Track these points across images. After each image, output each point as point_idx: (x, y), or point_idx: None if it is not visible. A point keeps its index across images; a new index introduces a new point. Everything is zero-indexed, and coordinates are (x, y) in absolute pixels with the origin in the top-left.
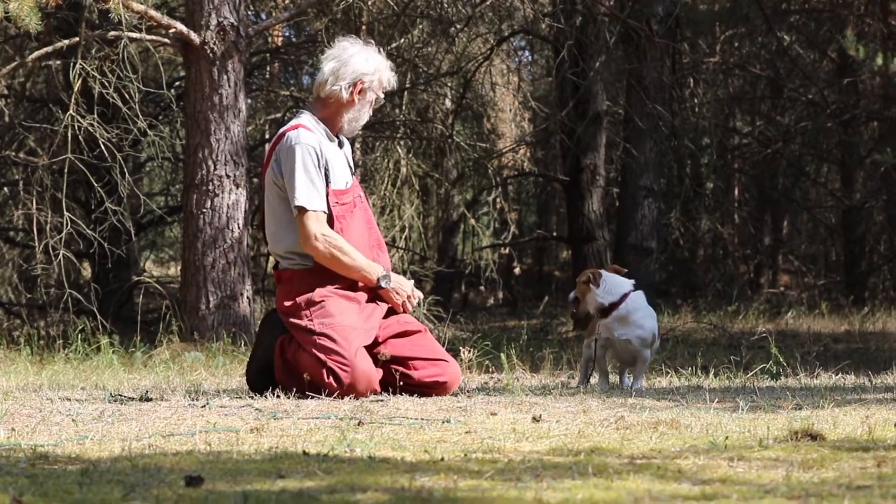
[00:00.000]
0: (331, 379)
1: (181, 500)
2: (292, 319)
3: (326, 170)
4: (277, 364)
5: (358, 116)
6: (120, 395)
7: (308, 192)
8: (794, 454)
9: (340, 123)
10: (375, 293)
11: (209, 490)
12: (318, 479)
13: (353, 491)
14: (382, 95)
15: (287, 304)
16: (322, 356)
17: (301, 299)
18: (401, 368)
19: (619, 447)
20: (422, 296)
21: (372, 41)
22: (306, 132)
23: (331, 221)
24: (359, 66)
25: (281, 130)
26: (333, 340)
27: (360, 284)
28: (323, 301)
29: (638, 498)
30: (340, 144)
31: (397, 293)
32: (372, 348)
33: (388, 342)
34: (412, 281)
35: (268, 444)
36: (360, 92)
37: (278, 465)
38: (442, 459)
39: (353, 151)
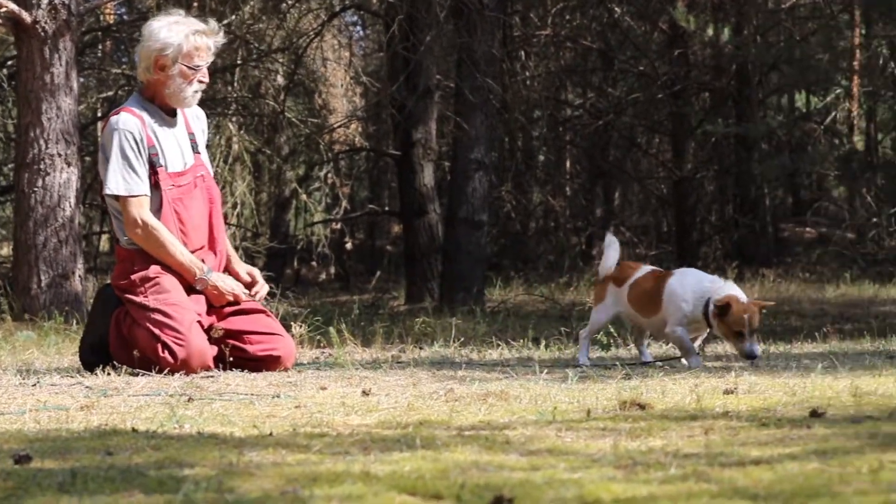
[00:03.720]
0: (166, 353)
1: (9, 477)
2: (127, 295)
3: (153, 153)
4: (112, 339)
5: (177, 90)
6: None
7: (122, 179)
8: (622, 424)
9: (166, 100)
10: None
11: (38, 468)
12: (146, 455)
13: (181, 466)
14: (202, 62)
15: (122, 281)
16: (157, 331)
17: (136, 276)
18: (235, 342)
19: (448, 419)
20: (252, 293)
21: (182, 12)
22: (128, 116)
23: (163, 204)
24: (155, 42)
25: (108, 115)
26: (168, 315)
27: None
28: (157, 277)
29: (465, 469)
30: (176, 124)
31: (219, 293)
32: (207, 327)
33: (223, 318)
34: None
35: (97, 422)
36: (161, 68)
37: (107, 442)
38: (271, 434)
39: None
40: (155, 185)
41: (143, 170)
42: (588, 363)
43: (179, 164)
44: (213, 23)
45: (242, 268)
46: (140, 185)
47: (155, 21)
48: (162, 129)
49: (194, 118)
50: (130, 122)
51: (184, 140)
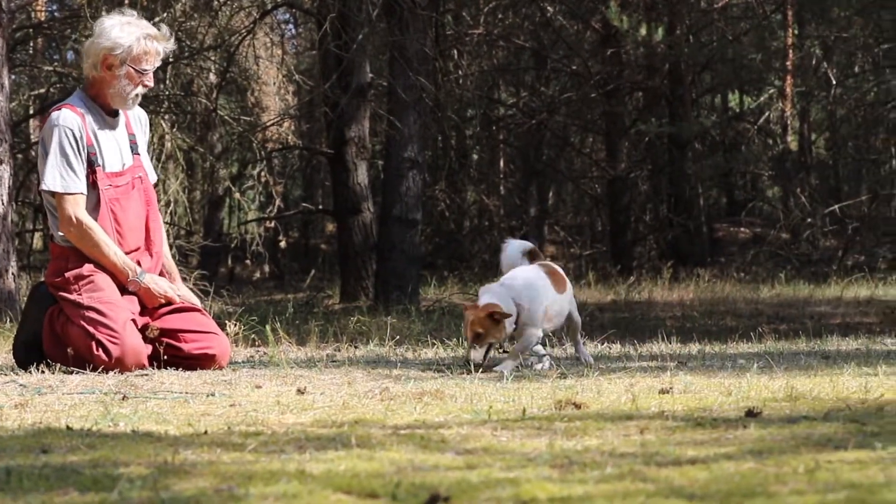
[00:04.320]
0: (100, 351)
1: None
2: (61, 293)
3: (92, 151)
4: (46, 337)
5: (120, 90)
6: None
7: (60, 175)
8: (557, 423)
9: (108, 99)
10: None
11: None
12: (81, 453)
13: (115, 465)
14: (150, 66)
15: (56, 279)
16: (91, 329)
17: (70, 274)
18: (170, 341)
19: (383, 418)
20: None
21: (135, 13)
22: (68, 112)
23: (100, 204)
24: (106, 41)
25: (49, 110)
26: (102, 314)
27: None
28: (92, 276)
29: (401, 468)
30: (117, 124)
31: (151, 295)
32: (143, 327)
33: (158, 317)
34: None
35: (31, 420)
36: (108, 67)
37: (42, 440)
38: (205, 433)
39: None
40: (93, 185)
41: (81, 168)
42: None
43: (118, 164)
44: (164, 28)
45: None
46: (77, 184)
47: (107, 19)
48: (102, 129)
49: (136, 119)
50: (71, 118)
51: (123, 140)
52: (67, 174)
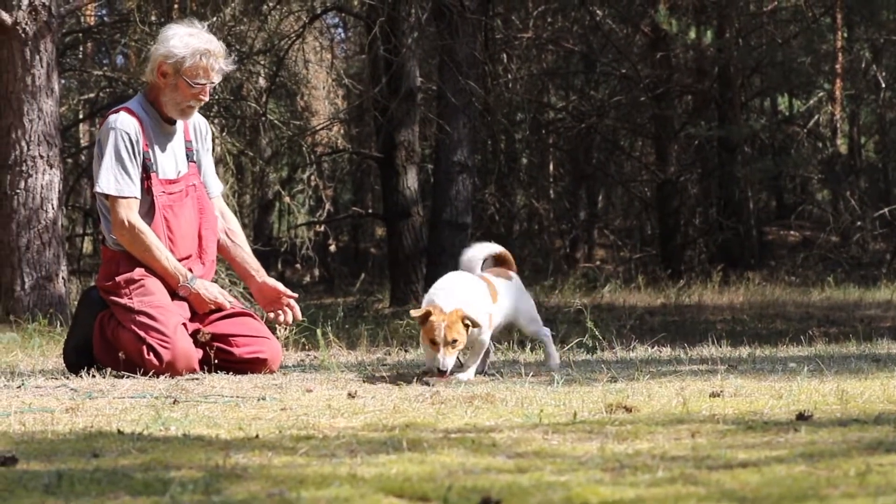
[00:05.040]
0: (151, 356)
1: None
2: (112, 297)
3: (147, 157)
4: (96, 341)
5: (174, 99)
6: None
7: (114, 179)
8: (608, 426)
9: (164, 107)
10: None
11: (23, 470)
12: (132, 457)
13: (167, 469)
14: (203, 81)
15: (107, 283)
16: (142, 333)
17: (121, 278)
18: (221, 345)
19: (434, 422)
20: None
21: (200, 25)
22: (126, 116)
23: (154, 210)
24: (163, 48)
25: (108, 112)
26: (153, 318)
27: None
28: (143, 280)
29: (452, 471)
30: (174, 131)
31: (201, 301)
32: (194, 332)
33: (209, 323)
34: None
35: (83, 424)
36: (162, 74)
37: (93, 444)
38: (257, 436)
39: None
40: (147, 191)
41: (136, 172)
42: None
43: (172, 171)
44: (224, 47)
45: (270, 282)
46: (131, 188)
47: (174, 27)
48: (158, 135)
49: (195, 127)
50: (128, 122)
51: (179, 148)
52: (122, 178)
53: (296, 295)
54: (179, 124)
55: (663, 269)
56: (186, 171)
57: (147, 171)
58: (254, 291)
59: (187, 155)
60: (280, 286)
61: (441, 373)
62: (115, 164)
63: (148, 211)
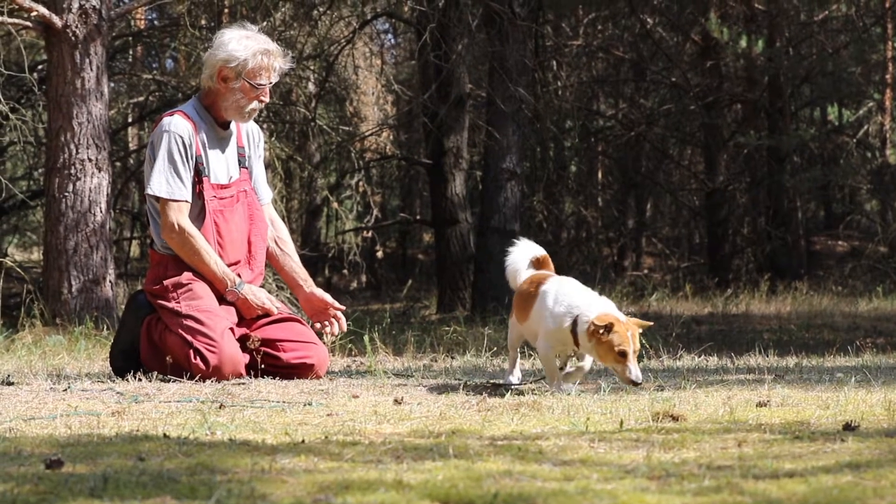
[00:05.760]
0: (198, 360)
1: (41, 482)
2: (160, 301)
3: (200, 161)
4: (143, 345)
5: (235, 103)
6: None
7: (166, 181)
8: (654, 435)
9: (221, 111)
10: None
11: (69, 472)
12: (178, 461)
13: (213, 473)
14: (265, 81)
15: (155, 286)
16: (189, 337)
17: (169, 282)
18: (269, 350)
19: (480, 429)
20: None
21: (253, 27)
22: (180, 119)
23: (204, 214)
24: (223, 53)
25: (162, 115)
26: (200, 322)
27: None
28: (190, 284)
29: (498, 478)
30: (228, 136)
31: (249, 306)
32: (242, 337)
33: (256, 328)
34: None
35: (129, 427)
36: (223, 79)
37: (139, 447)
38: (303, 442)
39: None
40: (198, 195)
41: (188, 176)
42: (517, 381)
43: (224, 176)
44: (280, 47)
45: (318, 293)
46: (182, 191)
47: (228, 31)
48: (212, 140)
49: (247, 133)
50: (182, 126)
51: (232, 153)
52: (174, 180)
53: (343, 307)
54: (232, 130)
55: (711, 277)
56: (238, 176)
57: (199, 174)
58: (301, 301)
59: (240, 161)
60: (328, 297)
61: (635, 384)
62: (168, 166)
63: (199, 215)
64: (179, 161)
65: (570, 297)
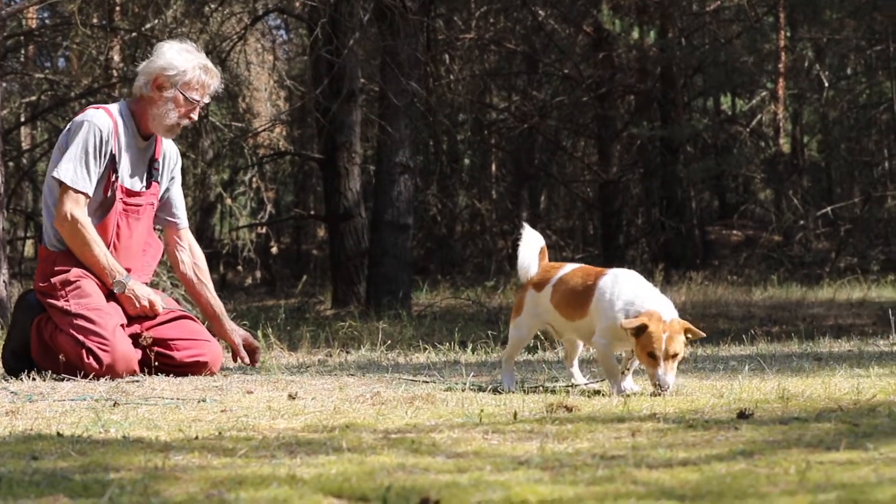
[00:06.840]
0: (90, 359)
1: None
2: (49, 300)
3: (114, 159)
4: (34, 345)
5: (162, 114)
6: None
7: (73, 169)
8: (548, 426)
9: (147, 121)
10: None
11: None
12: (71, 459)
13: (106, 471)
14: (198, 97)
15: (42, 284)
16: (81, 337)
17: (57, 279)
18: (162, 349)
19: (374, 423)
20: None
21: (194, 44)
22: (104, 115)
23: (109, 212)
24: (162, 61)
25: (86, 106)
26: (91, 321)
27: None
28: (78, 281)
29: (392, 472)
30: (146, 147)
31: (132, 302)
32: (133, 335)
33: (149, 328)
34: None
35: (22, 427)
36: (158, 87)
37: (32, 446)
38: (196, 438)
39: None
40: (109, 193)
41: (96, 171)
42: (514, 389)
43: (135, 184)
44: (217, 70)
45: (238, 333)
46: (86, 184)
47: (168, 43)
48: (130, 145)
49: (166, 152)
50: (104, 121)
51: (146, 165)
52: (81, 171)
53: (259, 345)
54: (152, 143)
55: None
56: (148, 189)
57: (114, 172)
58: (217, 334)
59: (152, 174)
60: (249, 336)
61: (661, 389)
62: (80, 155)
63: (100, 211)
64: (92, 154)
65: (627, 292)
